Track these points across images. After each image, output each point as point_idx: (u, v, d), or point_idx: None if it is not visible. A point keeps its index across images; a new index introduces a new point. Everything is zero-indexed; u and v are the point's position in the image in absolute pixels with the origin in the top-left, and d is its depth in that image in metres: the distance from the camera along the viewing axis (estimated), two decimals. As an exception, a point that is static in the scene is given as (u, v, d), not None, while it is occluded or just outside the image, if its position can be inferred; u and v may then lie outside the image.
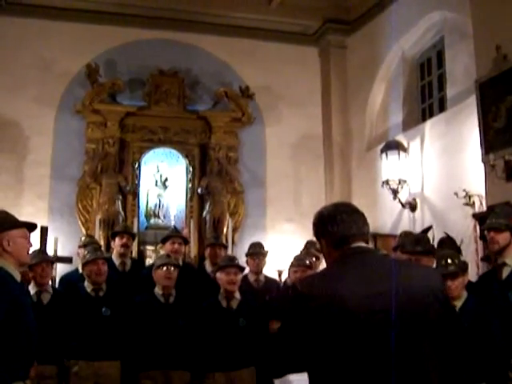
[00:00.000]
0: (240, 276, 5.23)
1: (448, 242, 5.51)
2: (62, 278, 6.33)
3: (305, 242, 6.82)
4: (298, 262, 5.41)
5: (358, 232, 2.23)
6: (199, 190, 8.84)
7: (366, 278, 2.08)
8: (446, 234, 5.74)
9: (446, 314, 2.19)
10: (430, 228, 5.86)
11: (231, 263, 5.20)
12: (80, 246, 6.52)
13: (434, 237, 5.64)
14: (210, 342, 4.96)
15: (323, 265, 6.54)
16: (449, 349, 2.14)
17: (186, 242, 6.41)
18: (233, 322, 5.02)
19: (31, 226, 3.59)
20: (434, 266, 5.13)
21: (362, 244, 2.23)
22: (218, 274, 5.18)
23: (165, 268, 5.13)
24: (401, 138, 8.16)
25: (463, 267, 4.10)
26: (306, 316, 2.05)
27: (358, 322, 2.00)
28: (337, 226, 2.23)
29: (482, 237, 4.87)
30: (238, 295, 5.16)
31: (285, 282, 6.13)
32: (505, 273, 4.36)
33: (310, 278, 2.42)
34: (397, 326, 2.01)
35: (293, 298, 2.17)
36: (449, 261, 4.07)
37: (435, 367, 2.08)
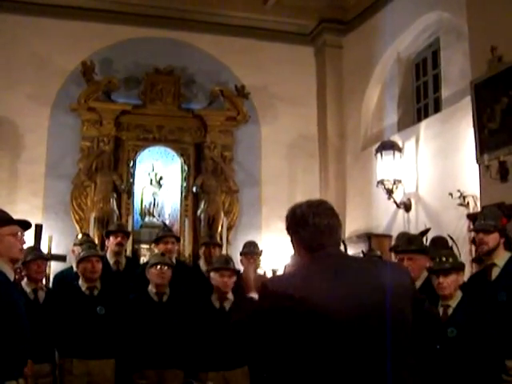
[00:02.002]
0: (233, 279, 5.22)
1: (440, 242, 5.53)
2: (56, 276, 6.30)
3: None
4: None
5: (328, 240, 2.18)
6: (194, 189, 8.84)
7: (338, 280, 2.05)
8: (449, 236, 5.75)
9: (418, 312, 2.18)
10: (428, 230, 5.86)
11: (226, 266, 5.19)
12: (75, 244, 6.50)
13: (427, 238, 5.65)
14: (203, 342, 4.96)
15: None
16: (425, 348, 2.13)
17: (177, 239, 6.40)
18: (225, 322, 5.01)
19: (24, 224, 3.57)
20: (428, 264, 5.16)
21: (333, 249, 2.19)
22: (212, 275, 5.17)
23: (158, 267, 5.12)
24: (396, 138, 8.18)
25: (457, 266, 4.11)
26: (275, 316, 2.01)
27: (330, 325, 1.96)
28: (309, 231, 2.18)
29: (474, 239, 4.88)
30: (230, 296, 5.16)
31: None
32: (494, 273, 4.38)
33: (282, 278, 2.40)
34: (369, 331, 1.99)
35: (262, 296, 2.11)
36: (443, 258, 4.10)
37: (412, 371, 2.06)
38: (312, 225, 2.17)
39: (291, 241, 2.28)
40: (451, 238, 5.67)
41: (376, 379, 1.98)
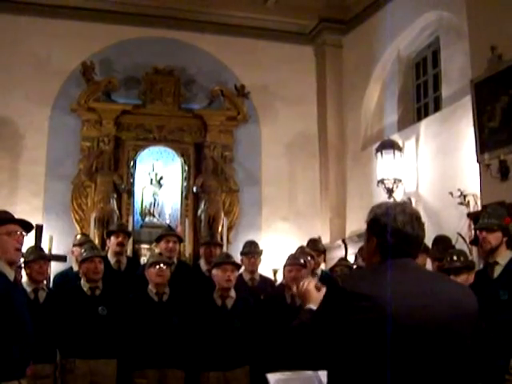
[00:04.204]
0: (236, 273, 5.23)
1: (442, 241, 5.53)
2: (56, 276, 6.32)
3: (300, 241, 6.83)
4: (292, 261, 5.40)
5: (409, 250, 2.12)
6: (194, 189, 8.84)
7: (408, 288, 2.02)
8: (459, 234, 5.75)
9: (475, 332, 2.13)
10: None
11: (228, 260, 5.20)
12: (75, 245, 6.50)
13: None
14: (204, 341, 4.96)
15: (319, 264, 6.52)
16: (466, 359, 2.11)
17: (180, 240, 6.41)
18: (227, 321, 5.01)
19: (26, 225, 3.54)
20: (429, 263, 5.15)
21: (410, 260, 2.13)
22: (214, 271, 5.17)
23: (157, 266, 5.13)
24: (396, 138, 8.17)
25: (468, 265, 4.12)
26: (342, 313, 1.97)
27: (395, 330, 1.94)
28: (395, 238, 2.10)
29: (474, 241, 4.87)
30: (233, 294, 5.16)
31: (281, 283, 6.12)
32: (496, 272, 4.39)
33: (354, 276, 2.33)
34: (432, 341, 1.97)
35: (331, 292, 2.06)
36: (454, 257, 4.12)
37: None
38: (402, 233, 2.10)
39: (368, 238, 2.20)
40: (461, 236, 5.67)
41: None
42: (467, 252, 5.15)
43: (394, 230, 2.11)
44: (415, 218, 2.14)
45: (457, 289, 2.17)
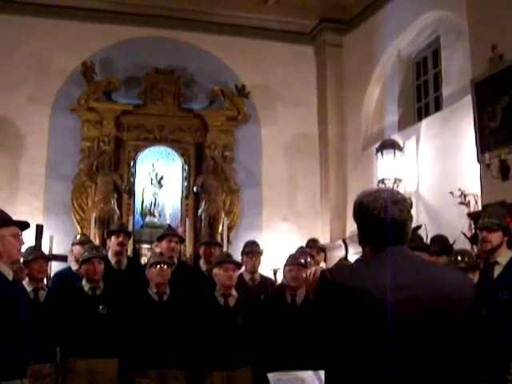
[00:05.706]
0: (237, 272, 5.25)
1: (439, 240, 5.53)
2: (55, 276, 6.32)
3: (300, 241, 6.83)
4: (292, 261, 5.40)
5: (393, 237, 2.04)
6: (195, 189, 8.84)
7: (401, 278, 1.97)
8: (463, 234, 5.74)
9: (473, 321, 2.08)
10: (419, 227, 5.87)
11: (229, 259, 5.22)
12: (74, 244, 6.51)
13: (428, 235, 5.66)
14: (207, 341, 4.96)
15: (318, 264, 6.53)
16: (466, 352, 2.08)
17: (181, 240, 6.42)
18: (230, 320, 5.02)
19: (22, 225, 3.57)
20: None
21: (397, 248, 2.06)
22: (216, 270, 5.18)
23: (158, 266, 5.14)
24: (396, 137, 8.17)
25: (473, 265, 4.13)
26: (333, 307, 1.94)
27: (388, 322, 1.91)
28: (373, 227, 2.04)
29: (474, 238, 4.87)
30: (234, 292, 5.17)
31: (281, 283, 6.12)
32: (496, 271, 4.39)
33: (343, 269, 2.30)
34: (425, 332, 1.95)
35: (320, 287, 2.01)
36: (459, 258, 4.13)
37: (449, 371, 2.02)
38: (377, 220, 2.03)
39: (358, 232, 2.16)
40: (466, 236, 5.67)
41: (421, 378, 1.94)
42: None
43: (368, 218, 2.06)
44: (392, 202, 2.05)
45: (450, 275, 2.12)
